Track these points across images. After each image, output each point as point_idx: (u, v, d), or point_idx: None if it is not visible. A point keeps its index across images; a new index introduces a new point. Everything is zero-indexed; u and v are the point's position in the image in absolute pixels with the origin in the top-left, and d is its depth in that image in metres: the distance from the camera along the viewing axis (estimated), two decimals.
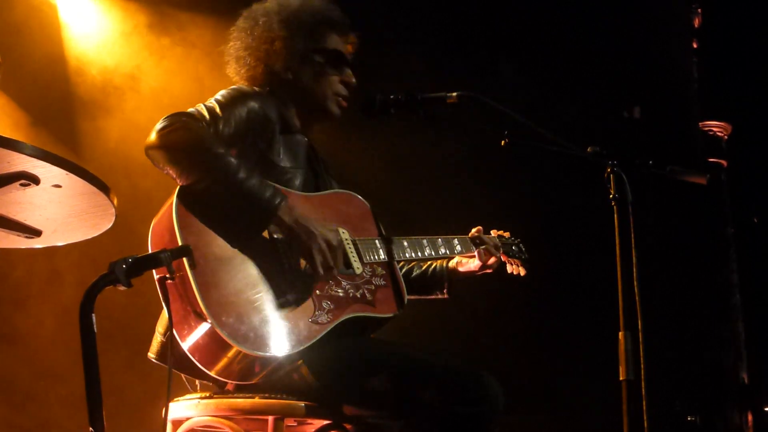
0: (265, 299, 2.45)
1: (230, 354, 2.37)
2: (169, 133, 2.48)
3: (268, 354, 2.40)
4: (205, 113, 2.61)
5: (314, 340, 2.48)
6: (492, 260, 3.22)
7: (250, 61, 2.90)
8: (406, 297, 2.85)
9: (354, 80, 2.95)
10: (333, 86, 2.91)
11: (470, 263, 3.21)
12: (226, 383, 2.55)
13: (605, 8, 6.85)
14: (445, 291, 3.22)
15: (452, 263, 3.23)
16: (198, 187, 2.47)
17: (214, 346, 2.37)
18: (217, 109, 2.63)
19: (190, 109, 2.62)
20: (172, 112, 2.55)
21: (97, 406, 1.95)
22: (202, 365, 2.41)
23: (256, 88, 2.81)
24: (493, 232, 3.35)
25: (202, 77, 4.99)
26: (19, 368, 4.62)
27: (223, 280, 2.41)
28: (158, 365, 2.63)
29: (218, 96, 2.71)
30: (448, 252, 3.13)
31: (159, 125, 2.50)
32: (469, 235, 3.23)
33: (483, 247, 3.19)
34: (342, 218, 2.80)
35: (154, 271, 2.33)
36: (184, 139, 2.48)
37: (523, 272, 3.40)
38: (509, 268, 3.40)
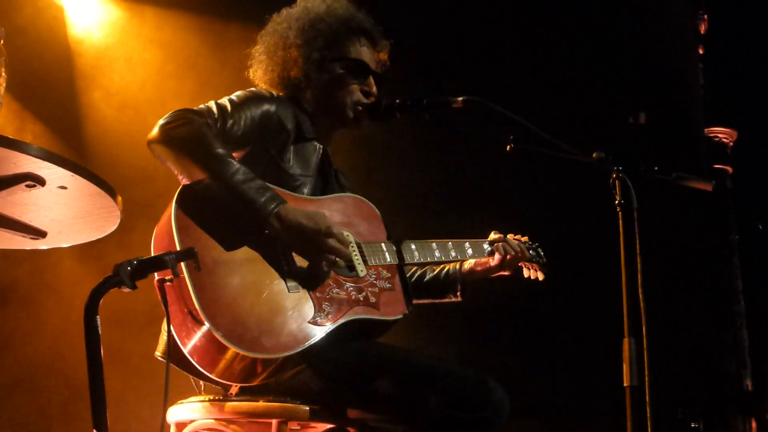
0: (262, 301, 2.44)
1: (228, 356, 2.37)
2: (172, 129, 2.48)
3: (264, 355, 2.39)
4: (215, 110, 2.61)
5: (312, 342, 2.47)
6: (510, 257, 3.14)
7: (268, 65, 2.90)
8: (412, 300, 2.85)
9: (374, 89, 2.93)
10: (352, 95, 2.89)
11: (489, 261, 3.16)
12: (229, 386, 2.55)
13: (611, 13, 6.85)
14: (458, 294, 3.19)
15: (467, 265, 3.19)
16: (197, 185, 2.47)
17: (211, 348, 2.37)
18: (229, 108, 2.63)
19: (200, 106, 2.62)
20: (179, 108, 2.55)
21: (100, 407, 1.96)
22: (201, 367, 2.41)
23: (275, 93, 2.81)
24: (510, 237, 3.32)
25: (212, 80, 4.99)
26: (21, 369, 4.62)
27: (220, 283, 2.41)
28: (164, 365, 2.63)
29: (233, 96, 2.71)
30: (458, 255, 3.09)
31: (163, 120, 2.51)
32: (489, 238, 3.20)
33: (501, 244, 3.14)
34: (347, 221, 2.80)
35: (155, 273, 2.34)
36: (186, 136, 2.48)
37: (541, 277, 3.35)
38: (527, 273, 3.35)
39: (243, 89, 2.80)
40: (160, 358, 2.62)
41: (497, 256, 3.14)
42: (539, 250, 3.40)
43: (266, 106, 2.71)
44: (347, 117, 2.90)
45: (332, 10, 2.92)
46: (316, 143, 2.84)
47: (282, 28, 2.90)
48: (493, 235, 3.22)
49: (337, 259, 2.58)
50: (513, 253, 3.16)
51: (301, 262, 2.57)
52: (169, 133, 2.49)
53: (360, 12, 2.96)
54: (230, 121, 2.62)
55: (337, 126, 2.97)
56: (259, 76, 2.94)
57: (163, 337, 2.62)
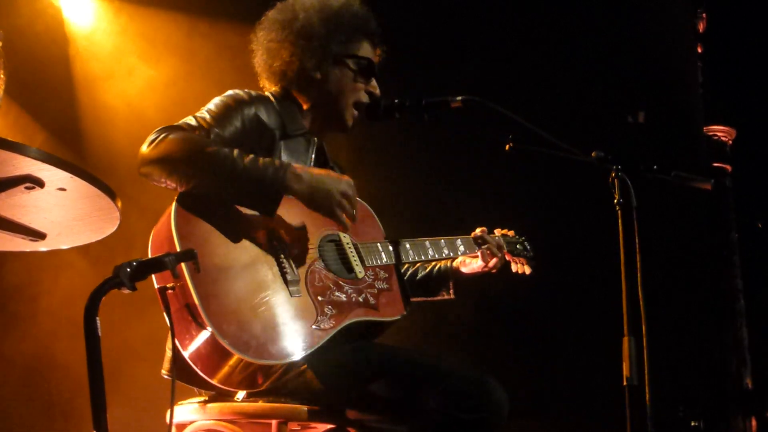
0: (266, 307, 2.44)
1: (232, 362, 2.37)
2: (158, 144, 2.47)
3: (270, 361, 2.40)
4: (194, 124, 2.59)
5: (317, 346, 2.48)
6: (494, 261, 3.17)
7: (284, 55, 2.85)
8: (410, 300, 2.85)
9: (378, 91, 2.93)
10: (357, 94, 2.89)
11: (473, 263, 3.19)
12: (230, 392, 2.54)
13: (610, 13, 6.84)
14: (451, 291, 3.21)
15: (456, 263, 3.21)
16: (201, 188, 2.47)
17: (215, 355, 2.37)
18: (209, 120, 2.61)
19: (179, 122, 2.60)
20: (159, 128, 2.53)
21: (100, 409, 1.96)
22: (204, 374, 2.41)
23: (252, 92, 2.78)
24: (497, 231, 3.32)
25: (212, 80, 4.99)
26: (21, 371, 4.63)
27: (224, 289, 2.40)
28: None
29: (211, 105, 2.69)
30: (451, 253, 3.12)
31: (146, 141, 2.50)
32: (472, 235, 3.20)
33: (485, 246, 3.16)
34: None
35: (154, 281, 2.34)
36: (175, 146, 2.46)
37: (528, 271, 3.37)
38: (514, 267, 3.37)
39: (243, 88, 2.80)
40: (166, 377, 2.61)
41: (480, 262, 3.15)
42: (526, 243, 3.41)
43: (246, 110, 2.69)
44: (344, 120, 2.90)
45: (349, 6, 2.92)
46: (310, 137, 2.83)
47: (303, 17, 2.85)
48: (477, 232, 3.21)
49: (349, 211, 2.61)
50: (495, 259, 3.18)
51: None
52: (154, 151, 2.47)
53: (369, 12, 2.97)
54: (212, 134, 2.59)
55: (331, 126, 2.96)
56: (275, 67, 2.88)
57: (168, 355, 2.62)
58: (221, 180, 2.46)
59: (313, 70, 2.85)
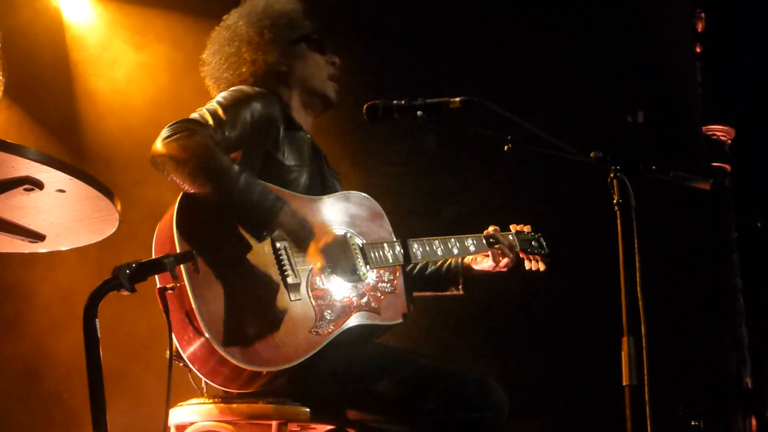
0: (263, 312, 2.43)
1: (228, 367, 2.36)
2: (175, 141, 2.46)
3: (264, 368, 2.39)
4: (209, 118, 2.58)
5: (313, 352, 2.47)
6: (505, 261, 3.14)
7: (246, 59, 2.89)
8: (413, 302, 2.84)
9: (337, 59, 3.00)
10: (324, 69, 2.96)
11: (484, 263, 3.16)
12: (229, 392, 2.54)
13: (609, 13, 6.85)
14: (460, 287, 3.18)
15: (467, 260, 3.17)
16: (202, 194, 2.46)
17: (211, 359, 2.36)
18: (221, 113, 2.61)
19: (194, 114, 2.60)
20: (177, 120, 2.53)
21: (100, 410, 1.95)
22: (202, 375, 2.41)
23: (257, 88, 2.80)
24: (513, 227, 3.29)
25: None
26: (21, 371, 4.62)
27: (221, 293, 2.39)
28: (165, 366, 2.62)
29: (220, 98, 2.69)
30: (461, 252, 3.09)
31: (164, 133, 2.48)
32: (484, 233, 3.18)
33: (497, 246, 3.14)
34: (350, 221, 2.79)
35: (157, 281, 2.33)
36: (190, 148, 2.46)
37: (543, 268, 3.33)
38: (528, 265, 3.32)
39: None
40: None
41: (491, 262, 3.14)
42: (542, 240, 3.37)
43: (255, 104, 2.70)
44: (327, 95, 2.95)
45: (270, 2, 2.98)
46: (303, 133, 2.84)
47: (245, 22, 2.92)
48: (489, 230, 3.19)
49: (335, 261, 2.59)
50: (507, 259, 3.16)
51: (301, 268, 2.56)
52: (172, 145, 2.46)
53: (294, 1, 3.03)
54: (226, 127, 2.60)
55: (318, 108, 2.98)
56: (245, 70, 2.90)
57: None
58: (223, 193, 2.46)
59: (278, 64, 2.90)
